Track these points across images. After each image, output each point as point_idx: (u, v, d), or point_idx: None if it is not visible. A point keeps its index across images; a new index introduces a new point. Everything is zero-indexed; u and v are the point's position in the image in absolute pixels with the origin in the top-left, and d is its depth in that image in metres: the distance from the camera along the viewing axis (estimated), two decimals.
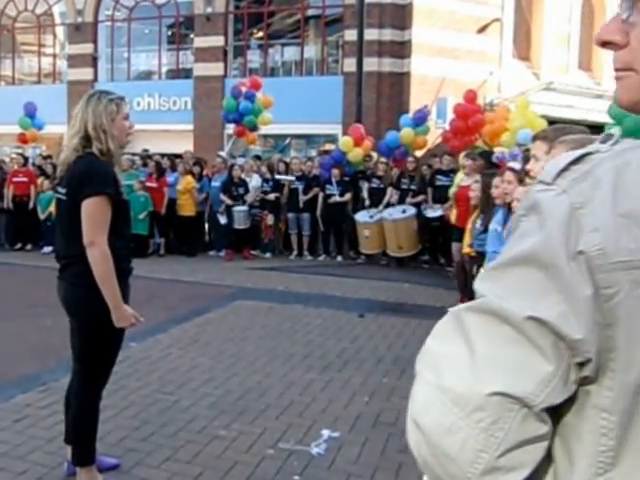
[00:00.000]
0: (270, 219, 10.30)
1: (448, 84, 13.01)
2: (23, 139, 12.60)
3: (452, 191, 7.37)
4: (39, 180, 10.67)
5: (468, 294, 6.24)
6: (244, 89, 11.25)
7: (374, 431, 3.51)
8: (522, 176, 3.87)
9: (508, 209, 3.99)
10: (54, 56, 18.33)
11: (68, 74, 17.22)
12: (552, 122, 3.04)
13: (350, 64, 14.08)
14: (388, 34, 14.23)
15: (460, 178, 7.01)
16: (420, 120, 10.37)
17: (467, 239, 5.69)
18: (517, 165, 4.07)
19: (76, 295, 2.63)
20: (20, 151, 12.13)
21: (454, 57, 13.29)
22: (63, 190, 2.62)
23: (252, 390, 4.10)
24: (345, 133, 11.29)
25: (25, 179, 10.69)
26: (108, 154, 2.60)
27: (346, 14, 14.80)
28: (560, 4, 15.19)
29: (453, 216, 6.97)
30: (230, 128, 12.44)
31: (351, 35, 14.03)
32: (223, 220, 10.12)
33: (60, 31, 18.09)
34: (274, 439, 3.34)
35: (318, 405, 3.87)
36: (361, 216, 9.70)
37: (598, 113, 10.05)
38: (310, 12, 16.14)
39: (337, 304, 6.83)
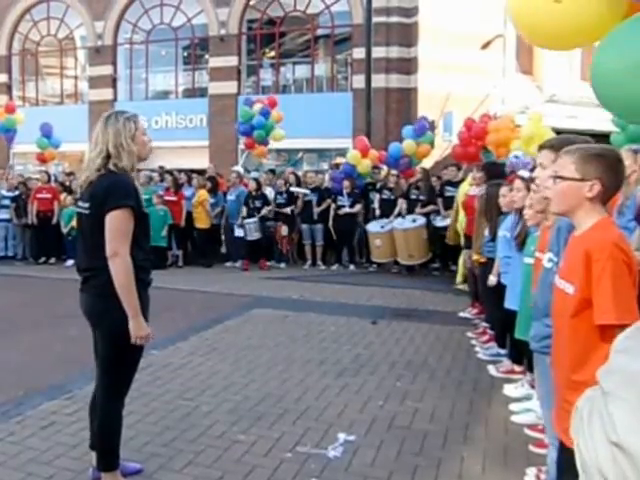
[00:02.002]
0: (284, 230, 10.30)
1: (454, 98, 13.03)
2: (41, 158, 12.67)
3: (459, 200, 7.32)
4: (62, 196, 10.71)
5: (479, 299, 6.20)
6: (258, 104, 11.32)
7: (389, 434, 3.47)
8: (530, 184, 3.85)
9: (519, 215, 3.95)
10: (75, 78, 18.64)
11: (89, 95, 17.51)
12: (557, 133, 3.03)
13: (359, 81, 14.17)
14: (395, 51, 14.31)
15: (466, 188, 6.98)
16: (421, 131, 10.35)
17: (474, 246, 5.65)
18: (526, 173, 4.04)
19: (99, 306, 2.63)
20: (44, 168, 12.17)
21: (459, 72, 13.30)
22: (85, 204, 2.64)
23: (270, 396, 4.07)
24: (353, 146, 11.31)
25: (49, 195, 10.73)
26: (126, 170, 2.63)
27: (354, 33, 14.91)
28: None
29: (462, 224, 6.93)
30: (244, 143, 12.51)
31: (359, 53, 14.13)
32: (238, 232, 10.13)
33: (81, 54, 18.39)
34: (292, 443, 3.32)
35: (334, 409, 3.84)
36: (372, 226, 9.68)
37: (601, 122, 9.97)
38: (320, 32, 16.27)
39: (350, 311, 6.80)
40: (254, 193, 10.21)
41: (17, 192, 11.06)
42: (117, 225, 2.52)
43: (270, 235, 10.35)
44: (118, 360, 2.67)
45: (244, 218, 10.04)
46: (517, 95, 13.81)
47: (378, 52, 13.80)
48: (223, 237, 10.98)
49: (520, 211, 3.90)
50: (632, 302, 1.78)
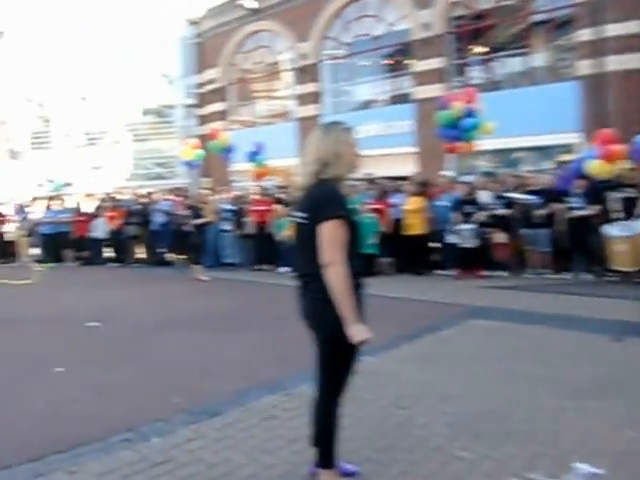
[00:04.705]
0: (501, 237, 9.81)
1: None
2: (257, 174, 14.12)
3: None
4: (276, 207, 11.71)
5: None
6: (457, 103, 10.96)
7: None
8: None
9: None
10: (283, 98, 20.44)
11: (297, 112, 18.99)
12: None
13: (587, 66, 12.98)
14: (634, 27, 12.73)
15: None
16: None
17: None
18: None
19: (315, 310, 2.78)
20: (259, 183, 13.58)
21: None
22: (301, 214, 2.82)
23: (491, 412, 3.82)
24: (588, 141, 10.24)
25: (264, 207, 11.93)
26: (339, 179, 2.79)
27: (578, 13, 13.71)
28: None
29: None
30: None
31: (586, 35, 12.95)
32: (452, 239, 9.98)
33: (288, 75, 20.00)
34: (519, 467, 3.04)
35: (571, 435, 3.44)
36: (613, 229, 8.65)
37: None
38: (536, 18, 15.30)
39: (585, 326, 6.12)
40: (466, 198, 9.99)
41: (236, 206, 12.58)
42: (330, 235, 2.65)
43: (486, 242, 9.95)
44: (334, 362, 2.80)
45: (457, 224, 9.86)
46: None
47: (611, 30, 12.46)
48: (435, 244, 10.87)
49: None
50: None
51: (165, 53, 21.65)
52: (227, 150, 14.72)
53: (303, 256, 2.83)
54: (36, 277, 10.69)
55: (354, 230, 2.76)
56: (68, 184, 19.06)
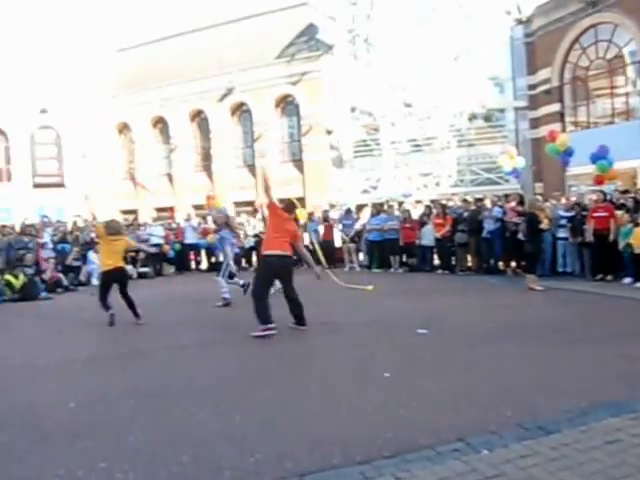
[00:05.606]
0: None
1: None
2: (599, 179, 12.75)
3: None
4: (618, 213, 10.70)
5: None
6: None
7: None
8: None
9: None
10: (626, 95, 18.17)
11: None
12: None
13: None
14: None
15: None
16: None
17: None
18: None
19: None
20: (599, 188, 12.26)
21: None
22: None
23: None
24: None
25: (605, 214, 10.93)
26: None
27: None
28: None
29: None
30: None
31: None
32: None
33: (630, 70, 17.79)
34: None
35: None
36: None
37: None
38: None
39: None
40: None
41: (573, 212, 11.71)
42: None
43: None
44: None
45: None
46: None
47: None
48: None
49: None
50: None
51: (492, 55, 20.33)
52: (567, 153, 13.69)
53: None
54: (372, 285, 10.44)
55: None
56: (407, 195, 19.40)
